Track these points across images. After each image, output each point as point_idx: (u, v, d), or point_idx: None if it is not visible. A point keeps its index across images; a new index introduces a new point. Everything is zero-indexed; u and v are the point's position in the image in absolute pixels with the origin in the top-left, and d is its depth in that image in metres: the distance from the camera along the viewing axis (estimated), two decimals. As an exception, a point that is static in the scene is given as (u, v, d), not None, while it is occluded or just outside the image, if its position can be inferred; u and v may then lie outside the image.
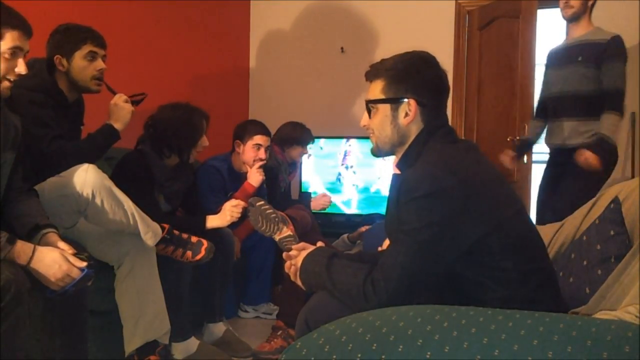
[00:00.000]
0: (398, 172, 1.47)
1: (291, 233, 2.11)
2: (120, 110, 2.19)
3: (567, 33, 2.91)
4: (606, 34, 2.75)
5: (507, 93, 3.42)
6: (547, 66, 2.96)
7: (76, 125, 2.27)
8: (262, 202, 2.07)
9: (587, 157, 2.62)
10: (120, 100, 2.20)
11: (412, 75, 1.37)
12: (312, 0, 4.31)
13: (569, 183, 2.77)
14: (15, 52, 1.59)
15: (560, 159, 2.88)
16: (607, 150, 2.65)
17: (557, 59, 2.90)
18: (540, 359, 0.75)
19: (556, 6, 3.76)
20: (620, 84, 2.68)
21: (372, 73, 1.43)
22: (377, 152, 1.48)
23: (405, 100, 1.37)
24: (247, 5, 4.46)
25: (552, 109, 2.91)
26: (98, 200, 1.82)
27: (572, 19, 2.82)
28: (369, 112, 1.44)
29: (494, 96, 3.59)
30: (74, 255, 1.56)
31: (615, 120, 2.66)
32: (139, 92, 2.27)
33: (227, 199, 2.64)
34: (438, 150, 1.34)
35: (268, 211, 2.08)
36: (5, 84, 1.61)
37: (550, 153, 3.01)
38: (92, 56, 2.13)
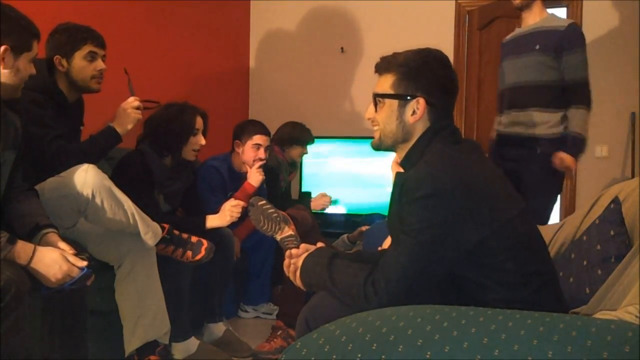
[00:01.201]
0: (401, 170, 1.46)
1: (292, 233, 2.11)
2: (127, 117, 2.20)
3: (522, 22, 2.81)
4: (562, 21, 2.67)
5: (507, 93, 3.41)
6: (502, 57, 2.84)
7: (76, 125, 2.27)
8: (263, 202, 2.07)
9: (564, 159, 2.55)
10: (129, 106, 2.21)
11: (425, 73, 1.36)
12: (312, 0, 4.31)
13: (530, 181, 2.62)
14: (33, 59, 1.67)
15: (517, 149, 2.72)
16: (580, 148, 2.58)
17: (512, 48, 2.77)
18: (540, 359, 0.75)
19: (556, 6, 3.78)
20: (583, 74, 2.59)
21: (383, 66, 1.41)
22: (378, 146, 1.46)
23: (415, 98, 1.36)
24: (247, 5, 4.46)
25: (509, 100, 2.78)
26: (98, 200, 1.82)
27: (523, 7, 2.72)
28: (376, 105, 1.42)
29: (494, 96, 3.58)
30: (75, 255, 1.57)
31: (584, 115, 2.59)
32: (153, 100, 2.28)
33: (227, 198, 2.64)
34: (440, 151, 1.34)
35: (270, 211, 2.08)
36: (22, 85, 1.68)
37: (502, 142, 2.82)
38: (92, 56, 2.13)
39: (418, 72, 1.36)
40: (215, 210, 2.51)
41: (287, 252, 1.52)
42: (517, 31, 2.80)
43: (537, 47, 2.62)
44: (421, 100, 1.35)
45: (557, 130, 2.62)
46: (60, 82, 2.13)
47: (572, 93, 2.60)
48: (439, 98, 1.37)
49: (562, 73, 2.61)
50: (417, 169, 1.31)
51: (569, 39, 2.57)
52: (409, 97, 1.36)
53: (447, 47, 3.78)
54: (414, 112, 1.36)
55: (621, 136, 3.51)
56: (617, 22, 3.46)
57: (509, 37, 2.84)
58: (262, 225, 2.07)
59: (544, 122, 2.64)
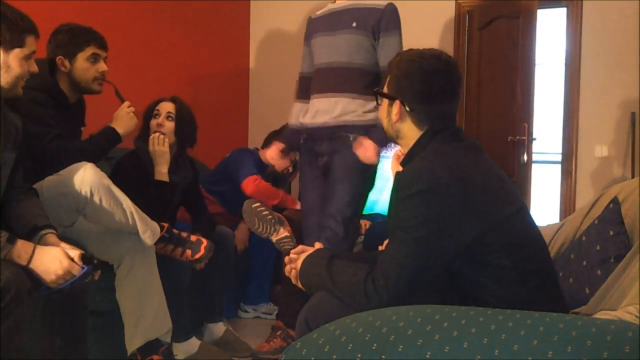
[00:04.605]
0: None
1: (288, 234, 2.11)
2: (129, 120, 2.22)
3: None
4: (381, 0, 2.39)
5: (507, 93, 3.42)
6: (311, 34, 2.49)
7: (77, 125, 2.27)
8: (257, 204, 2.07)
9: (367, 147, 2.25)
10: (128, 110, 2.22)
11: (403, 79, 1.41)
12: (312, 0, 4.31)
13: (339, 171, 2.33)
14: (31, 55, 1.64)
15: (329, 142, 2.38)
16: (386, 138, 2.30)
17: (326, 24, 2.44)
18: (540, 359, 0.75)
19: (556, 6, 3.78)
20: None
21: (389, 65, 1.48)
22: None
23: (395, 100, 1.42)
24: (247, 5, 4.46)
25: (319, 83, 2.43)
26: (96, 199, 1.82)
27: None
28: (377, 101, 1.51)
29: (494, 96, 3.59)
30: (81, 253, 1.56)
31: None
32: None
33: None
34: (437, 148, 1.36)
35: (264, 213, 2.07)
36: (22, 83, 1.66)
37: (310, 138, 2.46)
38: (94, 58, 2.14)
39: (401, 76, 1.42)
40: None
41: (287, 259, 1.53)
42: (330, 7, 2.50)
43: (354, 24, 2.35)
44: (398, 103, 1.41)
45: (372, 117, 2.30)
46: (62, 82, 2.13)
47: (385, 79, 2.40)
48: (416, 103, 1.40)
49: (377, 57, 2.36)
50: (413, 165, 1.33)
51: (387, 19, 2.34)
52: (390, 98, 1.44)
53: (447, 47, 3.78)
54: (396, 113, 1.42)
55: (621, 136, 3.50)
56: (617, 22, 3.46)
57: (319, 12, 2.53)
58: (257, 228, 2.07)
59: (356, 109, 2.34)
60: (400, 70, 1.42)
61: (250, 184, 2.92)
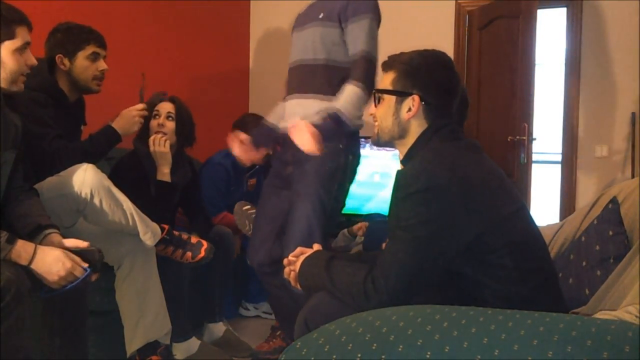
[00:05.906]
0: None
1: None
2: (133, 123, 2.21)
3: None
4: None
5: (507, 93, 3.42)
6: (292, 30, 2.30)
7: (77, 125, 2.27)
8: (248, 207, 2.06)
9: (301, 130, 1.83)
10: (137, 113, 2.22)
11: (422, 72, 1.39)
12: (311, 0, 4.30)
13: (298, 194, 2.03)
14: (25, 47, 1.63)
15: (291, 153, 2.09)
16: (338, 131, 1.90)
17: (301, 18, 2.25)
18: (540, 359, 0.75)
19: (556, 6, 3.78)
20: (364, 47, 2.00)
21: (387, 64, 1.46)
22: (376, 142, 1.50)
23: (410, 95, 1.39)
24: (247, 5, 4.46)
25: (288, 84, 2.22)
26: (97, 200, 1.82)
27: None
28: (377, 101, 1.47)
29: (494, 96, 3.59)
30: (86, 248, 1.56)
31: (355, 92, 1.95)
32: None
33: (230, 196, 2.66)
34: (437, 148, 1.36)
35: (254, 215, 2.06)
36: (22, 78, 1.64)
37: (282, 144, 2.23)
38: (94, 57, 2.14)
39: (416, 70, 1.40)
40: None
41: (286, 261, 1.53)
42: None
43: (321, 15, 2.11)
44: (416, 98, 1.39)
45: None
46: (61, 81, 2.13)
47: (352, 69, 2.02)
48: (435, 97, 1.39)
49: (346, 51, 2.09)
50: (412, 164, 1.33)
51: (354, 6, 2.05)
52: (405, 94, 1.40)
53: (447, 47, 3.78)
54: (409, 109, 1.40)
55: (621, 136, 3.51)
56: (617, 22, 3.46)
57: (305, 7, 2.31)
58: (248, 230, 2.07)
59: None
60: (412, 64, 1.40)
61: (217, 221, 2.78)
